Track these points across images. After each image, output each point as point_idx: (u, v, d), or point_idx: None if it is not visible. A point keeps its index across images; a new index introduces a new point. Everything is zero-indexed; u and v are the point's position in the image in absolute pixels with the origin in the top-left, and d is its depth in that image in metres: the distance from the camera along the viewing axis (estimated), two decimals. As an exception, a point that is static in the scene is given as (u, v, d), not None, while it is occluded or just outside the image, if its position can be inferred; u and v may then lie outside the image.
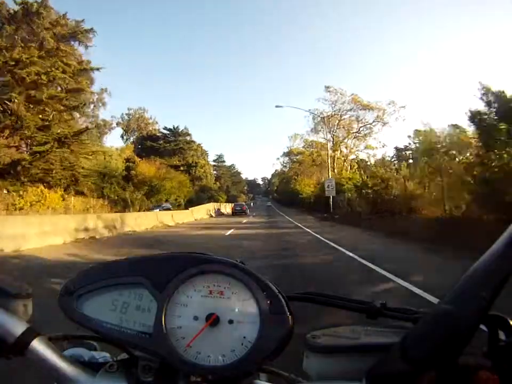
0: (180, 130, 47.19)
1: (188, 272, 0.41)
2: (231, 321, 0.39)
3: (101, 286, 0.43)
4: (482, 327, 0.31)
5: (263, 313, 0.39)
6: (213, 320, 0.39)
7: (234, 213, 31.06)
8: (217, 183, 58.48)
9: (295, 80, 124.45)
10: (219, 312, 0.40)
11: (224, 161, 70.66)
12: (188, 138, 48.21)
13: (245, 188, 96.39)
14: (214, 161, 66.96)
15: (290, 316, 0.39)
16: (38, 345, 0.39)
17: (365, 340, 0.42)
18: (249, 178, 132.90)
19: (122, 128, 50.66)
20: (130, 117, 51.35)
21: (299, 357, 0.43)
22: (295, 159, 47.61)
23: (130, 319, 0.41)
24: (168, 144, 44.57)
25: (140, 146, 45.48)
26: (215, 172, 64.24)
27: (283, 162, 57.68)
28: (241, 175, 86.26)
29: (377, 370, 0.34)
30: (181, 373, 0.40)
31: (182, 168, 42.16)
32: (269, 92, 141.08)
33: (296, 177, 44.03)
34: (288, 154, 51.60)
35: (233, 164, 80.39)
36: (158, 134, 47.77)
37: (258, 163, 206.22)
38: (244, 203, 38.92)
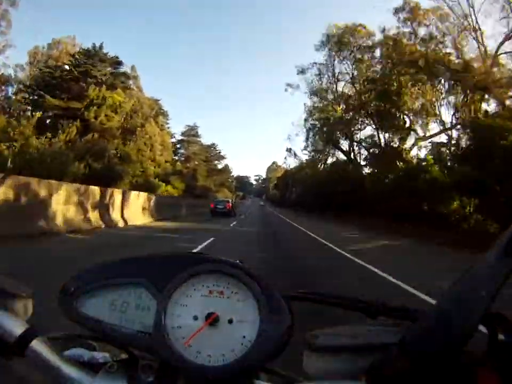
0: (103, 53, 24.92)
1: (188, 271, 0.41)
2: (230, 321, 0.40)
3: (101, 286, 0.43)
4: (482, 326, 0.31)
5: (263, 313, 0.39)
6: (212, 320, 0.39)
7: (215, 213, 21.50)
8: (180, 164, 36.50)
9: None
10: (219, 311, 0.40)
11: (198, 136, 45.42)
12: (124, 71, 26.10)
13: (233, 182, 74.29)
14: (182, 134, 44.79)
15: (290, 315, 0.40)
16: (37, 345, 0.38)
17: (365, 340, 0.41)
18: (241, 175, 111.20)
19: (29, 62, 29.48)
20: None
21: (299, 356, 0.42)
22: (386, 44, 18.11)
23: (130, 318, 0.41)
24: (71, 73, 22.38)
25: (42, 83, 23.52)
26: (183, 151, 42.41)
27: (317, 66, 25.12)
28: (225, 159, 55.78)
29: (377, 370, 0.34)
30: (181, 373, 0.40)
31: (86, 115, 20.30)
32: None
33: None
34: (339, 45, 21.73)
35: (214, 144, 51.47)
36: (67, 62, 25.55)
37: (252, 162, 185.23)
38: (228, 199, 27.87)
